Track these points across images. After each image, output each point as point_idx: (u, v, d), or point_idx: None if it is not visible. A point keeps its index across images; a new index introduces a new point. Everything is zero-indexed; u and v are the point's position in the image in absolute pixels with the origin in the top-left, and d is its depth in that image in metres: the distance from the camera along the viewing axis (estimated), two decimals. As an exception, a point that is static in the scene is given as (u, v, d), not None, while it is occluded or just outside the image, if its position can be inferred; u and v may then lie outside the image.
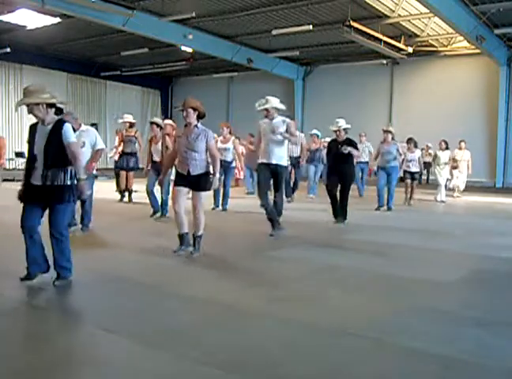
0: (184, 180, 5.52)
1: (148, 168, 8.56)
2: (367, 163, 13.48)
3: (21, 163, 18.13)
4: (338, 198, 8.11)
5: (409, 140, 11.59)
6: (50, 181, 4.06)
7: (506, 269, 5.41)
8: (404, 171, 11.49)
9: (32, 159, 4.16)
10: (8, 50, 18.39)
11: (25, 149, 17.78)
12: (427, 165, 18.50)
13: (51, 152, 4.06)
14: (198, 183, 5.50)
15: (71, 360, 2.84)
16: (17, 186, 4.35)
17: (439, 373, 2.76)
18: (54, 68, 21.38)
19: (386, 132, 10.55)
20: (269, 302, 3.95)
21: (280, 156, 6.88)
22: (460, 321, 3.60)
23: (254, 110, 7.05)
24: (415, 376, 2.74)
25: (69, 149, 4.08)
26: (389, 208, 10.30)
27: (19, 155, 18.33)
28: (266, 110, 6.82)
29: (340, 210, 8.14)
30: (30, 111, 4.09)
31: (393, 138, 10.52)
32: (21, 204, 4.20)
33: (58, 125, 4.08)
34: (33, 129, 4.21)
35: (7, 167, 16.63)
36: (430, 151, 17.05)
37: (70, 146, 4.08)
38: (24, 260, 4.15)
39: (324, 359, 2.91)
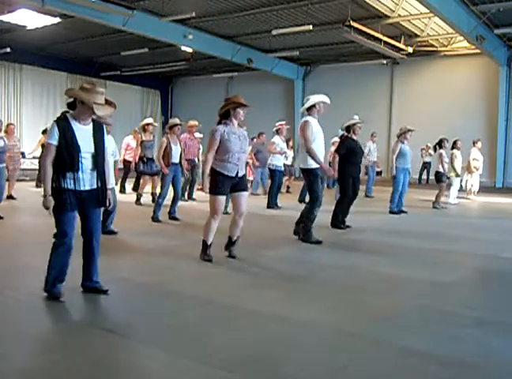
0: (229, 183, 5.16)
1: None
2: (375, 162, 13.76)
3: (21, 162, 18.06)
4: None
5: (445, 140, 11.20)
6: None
7: (507, 269, 5.41)
8: (442, 173, 10.98)
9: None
10: (8, 50, 18.38)
11: (25, 149, 17.73)
12: (427, 165, 18.55)
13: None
14: (245, 183, 5.40)
15: (70, 360, 2.83)
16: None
17: (439, 373, 2.76)
18: (54, 68, 21.37)
19: (411, 131, 9.86)
20: (269, 301, 3.95)
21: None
22: (460, 321, 3.60)
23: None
24: (415, 376, 2.74)
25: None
26: (403, 211, 9.79)
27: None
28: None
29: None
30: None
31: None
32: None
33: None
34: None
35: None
36: (430, 151, 17.06)
37: None
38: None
39: (324, 359, 2.91)
